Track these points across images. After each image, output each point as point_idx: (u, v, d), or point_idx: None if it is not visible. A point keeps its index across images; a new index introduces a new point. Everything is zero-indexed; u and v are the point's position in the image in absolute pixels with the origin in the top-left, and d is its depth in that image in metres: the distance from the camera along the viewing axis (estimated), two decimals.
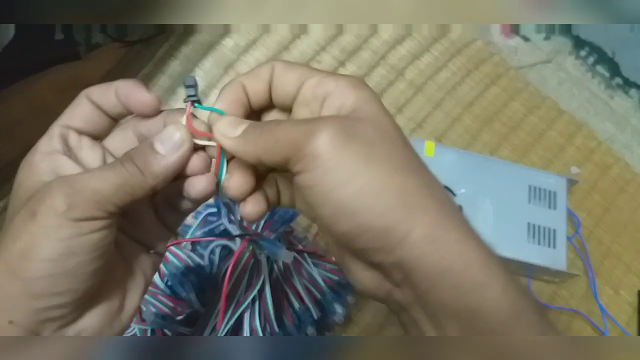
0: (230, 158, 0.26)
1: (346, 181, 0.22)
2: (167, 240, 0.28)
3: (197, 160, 0.25)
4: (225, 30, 0.62)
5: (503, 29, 0.73)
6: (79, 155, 0.26)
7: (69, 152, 0.25)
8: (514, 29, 0.73)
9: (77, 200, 0.22)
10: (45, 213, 0.22)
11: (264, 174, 0.28)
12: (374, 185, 0.22)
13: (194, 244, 0.48)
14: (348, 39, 0.66)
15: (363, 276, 0.25)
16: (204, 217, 0.49)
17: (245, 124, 0.24)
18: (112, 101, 0.26)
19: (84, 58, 0.49)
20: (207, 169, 0.26)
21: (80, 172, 0.24)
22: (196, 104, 0.26)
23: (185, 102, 0.26)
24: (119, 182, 0.23)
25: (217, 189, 0.26)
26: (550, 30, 0.74)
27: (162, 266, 0.45)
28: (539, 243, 0.56)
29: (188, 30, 0.61)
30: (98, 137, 0.27)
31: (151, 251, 0.28)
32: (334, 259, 0.49)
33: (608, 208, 0.66)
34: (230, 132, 0.24)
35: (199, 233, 0.48)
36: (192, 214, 0.51)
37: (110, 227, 0.23)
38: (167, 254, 0.46)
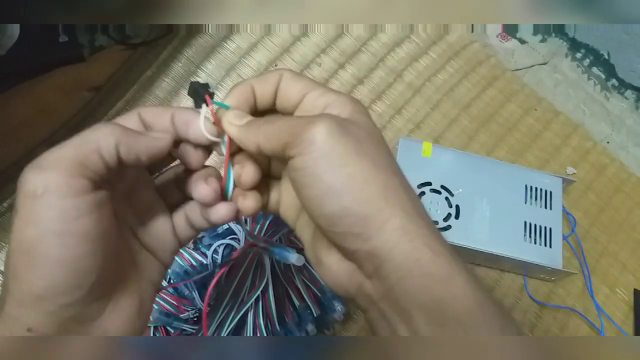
0: (234, 152, 0.28)
1: (338, 166, 0.24)
2: (176, 253, 0.30)
3: (212, 190, 0.27)
4: (229, 32, 0.63)
5: (500, 31, 0.74)
6: None
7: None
8: (511, 32, 0.74)
9: (51, 176, 0.21)
10: (24, 204, 0.21)
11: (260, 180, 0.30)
12: (361, 175, 0.24)
13: (196, 242, 0.49)
14: (348, 41, 0.67)
15: (337, 268, 0.26)
16: None
17: (250, 117, 0.27)
18: (165, 125, 0.27)
19: (88, 60, 0.49)
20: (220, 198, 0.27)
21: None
22: (213, 99, 0.28)
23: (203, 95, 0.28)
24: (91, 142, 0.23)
25: (227, 178, 0.28)
26: (546, 33, 0.75)
27: None
28: (535, 242, 0.57)
29: (191, 33, 0.62)
30: None
31: None
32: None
33: (604, 208, 0.66)
34: (236, 121, 0.27)
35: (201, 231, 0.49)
36: None
37: (100, 206, 0.23)
38: None
